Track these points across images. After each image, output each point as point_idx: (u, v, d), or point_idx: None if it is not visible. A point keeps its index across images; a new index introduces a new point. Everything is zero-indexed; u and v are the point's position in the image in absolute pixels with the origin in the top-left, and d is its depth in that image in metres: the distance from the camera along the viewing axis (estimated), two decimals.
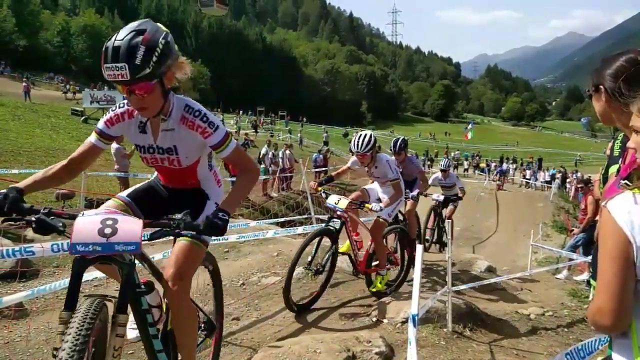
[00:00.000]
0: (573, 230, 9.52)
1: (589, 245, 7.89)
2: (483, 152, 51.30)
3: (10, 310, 4.05)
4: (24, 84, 34.23)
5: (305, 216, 9.71)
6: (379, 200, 5.23)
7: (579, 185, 12.81)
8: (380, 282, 4.95)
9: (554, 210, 19.46)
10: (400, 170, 6.41)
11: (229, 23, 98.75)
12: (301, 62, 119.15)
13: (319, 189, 5.03)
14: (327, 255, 4.64)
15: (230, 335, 3.86)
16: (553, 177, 28.94)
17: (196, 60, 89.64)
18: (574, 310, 5.49)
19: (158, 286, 2.31)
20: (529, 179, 29.33)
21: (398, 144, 6.58)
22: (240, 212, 11.18)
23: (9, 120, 21.45)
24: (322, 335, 3.83)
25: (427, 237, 8.74)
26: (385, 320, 4.27)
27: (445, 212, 8.94)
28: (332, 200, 4.69)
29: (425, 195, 7.99)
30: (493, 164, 34.42)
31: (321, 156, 20.92)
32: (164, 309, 2.45)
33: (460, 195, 8.92)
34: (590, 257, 6.81)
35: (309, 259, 4.50)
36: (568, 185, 27.73)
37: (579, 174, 29.23)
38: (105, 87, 30.02)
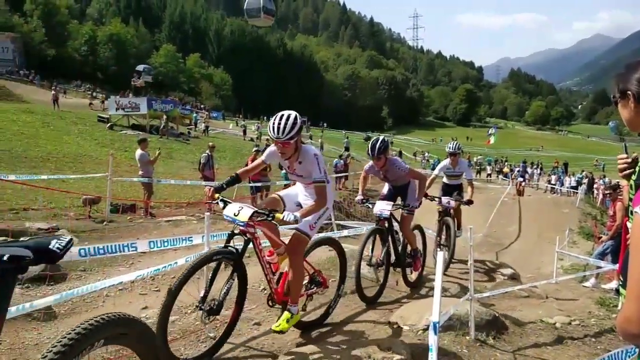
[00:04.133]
0: (601, 237, 9.27)
1: (617, 252, 7.68)
2: (504, 156, 50.50)
3: (40, 313, 4.17)
4: (52, 92, 35.34)
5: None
6: (299, 207, 3.96)
7: (606, 192, 12.47)
8: (287, 321, 3.68)
9: (581, 216, 18.98)
10: (382, 176, 5.63)
11: (250, 30, 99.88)
12: (322, 68, 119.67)
13: (216, 195, 3.64)
14: (225, 288, 3.42)
15: (251, 340, 3.89)
16: (579, 182, 28.26)
17: (218, 67, 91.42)
18: (602, 319, 5.34)
19: None
20: (554, 184, 28.73)
21: (377, 146, 5.17)
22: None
23: (38, 127, 22.17)
24: (343, 341, 3.83)
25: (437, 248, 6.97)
26: (406, 327, 4.23)
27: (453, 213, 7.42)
28: (230, 211, 3.48)
29: (432, 199, 6.88)
30: (517, 169, 33.82)
31: (342, 161, 20.92)
32: None
33: (469, 192, 7.45)
34: (618, 265, 6.62)
35: (202, 293, 3.34)
36: (595, 191, 27.03)
37: (606, 180, 28.50)
38: (130, 95, 30.73)
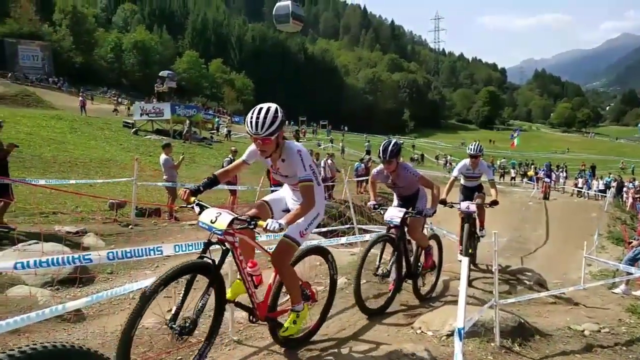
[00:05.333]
0: (631, 242, 9.01)
1: None
2: (529, 159, 49.58)
3: (70, 314, 4.28)
4: (80, 98, 36.33)
5: (348, 226, 9.71)
6: (287, 212, 3.56)
7: (636, 195, 12.12)
8: (294, 322, 3.57)
9: (609, 220, 18.48)
10: (391, 182, 5.29)
11: (271, 35, 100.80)
12: (343, 72, 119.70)
13: (192, 199, 3.25)
14: (199, 304, 3.04)
15: (274, 345, 3.90)
16: (608, 185, 27.52)
17: (240, 72, 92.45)
18: (633, 327, 5.19)
19: None
20: (581, 188, 28.03)
21: (390, 149, 4.92)
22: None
23: (66, 133, 22.79)
24: (366, 346, 3.82)
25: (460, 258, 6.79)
26: (429, 333, 4.20)
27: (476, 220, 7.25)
28: (207, 217, 3.10)
29: (451, 206, 6.72)
30: (541, 171, 33.15)
31: (363, 165, 20.86)
32: None
33: (493, 193, 7.11)
34: None
35: (174, 309, 2.98)
36: (625, 195, 26.28)
37: (636, 183, 27.68)
38: (154, 100, 31.34)
